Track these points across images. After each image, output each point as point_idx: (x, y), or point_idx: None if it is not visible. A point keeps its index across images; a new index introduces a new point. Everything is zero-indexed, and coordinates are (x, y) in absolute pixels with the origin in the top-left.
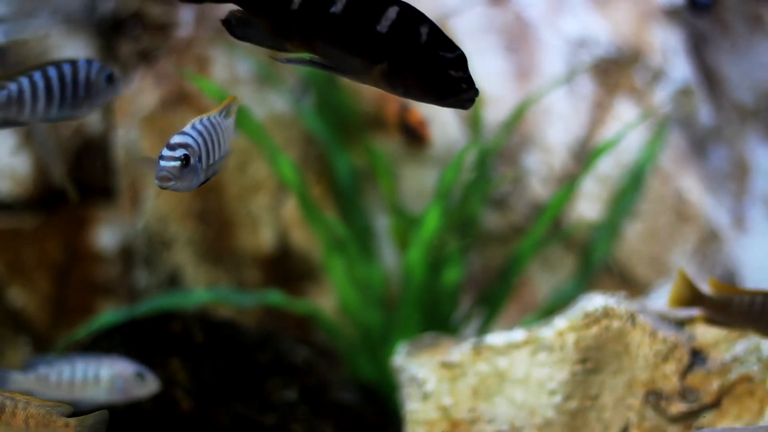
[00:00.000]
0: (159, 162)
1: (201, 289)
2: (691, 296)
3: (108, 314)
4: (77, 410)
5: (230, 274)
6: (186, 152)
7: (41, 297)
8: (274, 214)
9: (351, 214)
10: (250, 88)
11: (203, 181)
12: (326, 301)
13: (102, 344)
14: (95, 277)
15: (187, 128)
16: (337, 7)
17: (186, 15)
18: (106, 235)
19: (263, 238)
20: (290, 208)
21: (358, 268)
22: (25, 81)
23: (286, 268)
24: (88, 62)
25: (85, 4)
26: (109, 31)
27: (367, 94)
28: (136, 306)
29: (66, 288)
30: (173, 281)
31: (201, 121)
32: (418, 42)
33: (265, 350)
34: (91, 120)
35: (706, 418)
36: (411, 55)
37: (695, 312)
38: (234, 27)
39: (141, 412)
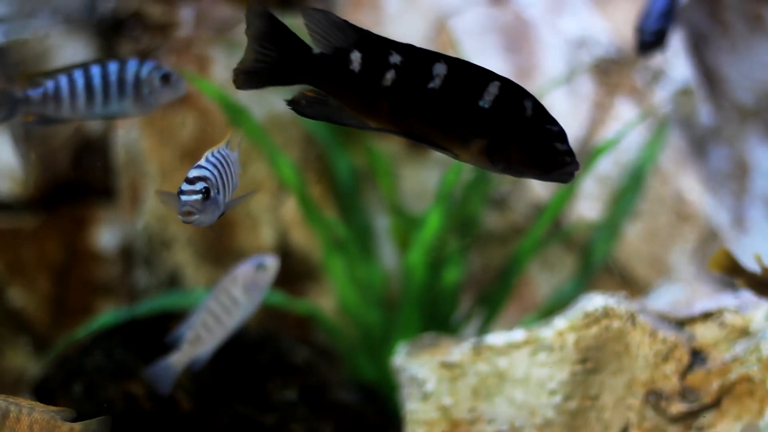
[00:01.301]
0: (180, 197)
1: (201, 289)
2: (730, 266)
3: (108, 314)
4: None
5: None
6: (206, 185)
7: (41, 297)
8: (274, 214)
9: (351, 214)
10: None
11: (221, 214)
12: (326, 301)
13: (102, 344)
14: (95, 277)
15: (202, 162)
16: (436, 83)
17: (186, 15)
18: (106, 235)
19: (263, 238)
20: (290, 208)
21: (358, 268)
22: (63, 79)
23: (286, 268)
24: (140, 61)
25: (85, 4)
26: (109, 31)
27: None
28: (136, 306)
29: (66, 288)
30: (173, 281)
31: (213, 154)
32: (523, 116)
33: (265, 350)
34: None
35: (706, 418)
36: (516, 130)
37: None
38: (304, 107)
39: (141, 412)
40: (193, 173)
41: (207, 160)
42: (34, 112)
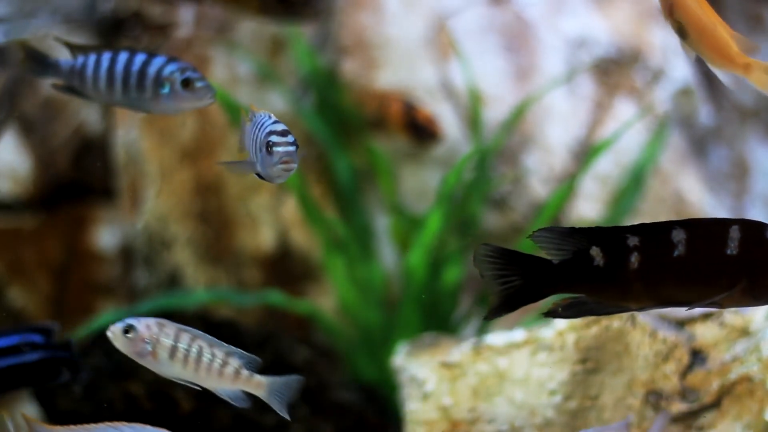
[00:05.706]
0: (275, 148)
1: (201, 289)
2: None
3: (108, 314)
4: None
5: (230, 274)
6: (294, 137)
7: (41, 297)
8: (274, 214)
9: (351, 214)
10: (250, 88)
11: None
12: (326, 301)
13: (102, 344)
14: (95, 277)
15: (274, 118)
16: (681, 250)
17: (186, 15)
18: (106, 235)
19: (263, 238)
20: (290, 208)
21: (358, 268)
22: (92, 57)
23: (286, 268)
24: (168, 59)
25: (85, 4)
26: (109, 31)
27: (366, 94)
28: (136, 306)
29: (66, 288)
30: (173, 281)
31: (269, 115)
32: None
33: (265, 350)
34: (91, 120)
35: (706, 418)
36: None
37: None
38: (562, 313)
39: (141, 412)
40: (280, 126)
41: (271, 118)
42: (62, 79)
